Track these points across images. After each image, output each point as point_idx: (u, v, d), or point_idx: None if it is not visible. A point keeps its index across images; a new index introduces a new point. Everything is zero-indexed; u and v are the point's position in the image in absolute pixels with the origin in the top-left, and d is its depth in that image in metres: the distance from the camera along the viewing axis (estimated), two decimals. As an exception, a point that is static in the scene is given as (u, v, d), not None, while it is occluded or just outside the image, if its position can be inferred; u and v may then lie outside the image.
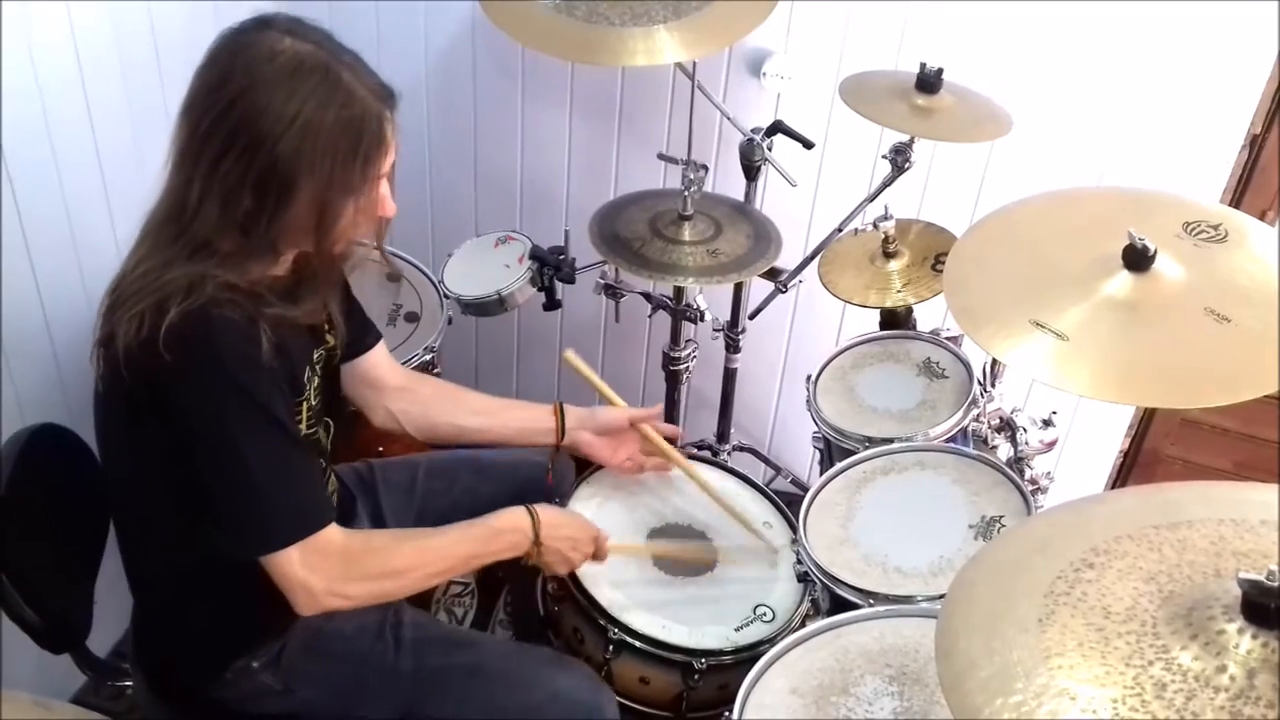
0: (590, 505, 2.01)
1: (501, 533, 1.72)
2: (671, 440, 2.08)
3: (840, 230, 2.33)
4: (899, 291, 2.24)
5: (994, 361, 2.11)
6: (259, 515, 1.51)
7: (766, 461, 2.89)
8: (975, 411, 2.08)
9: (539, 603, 1.96)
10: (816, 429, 2.15)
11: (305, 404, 1.63)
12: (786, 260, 2.32)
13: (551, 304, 2.43)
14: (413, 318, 2.38)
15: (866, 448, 1.99)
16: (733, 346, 2.59)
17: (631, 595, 1.86)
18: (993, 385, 2.13)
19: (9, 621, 1.65)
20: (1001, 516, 1.79)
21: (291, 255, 1.58)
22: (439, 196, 2.99)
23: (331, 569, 1.54)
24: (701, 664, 1.77)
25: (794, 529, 1.90)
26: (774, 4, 2.24)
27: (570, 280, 2.40)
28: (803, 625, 1.76)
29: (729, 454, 2.75)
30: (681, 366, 2.54)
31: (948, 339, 2.23)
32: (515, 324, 3.07)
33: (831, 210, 2.43)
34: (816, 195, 2.66)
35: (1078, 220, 1.74)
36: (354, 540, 1.62)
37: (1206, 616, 0.98)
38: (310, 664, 1.71)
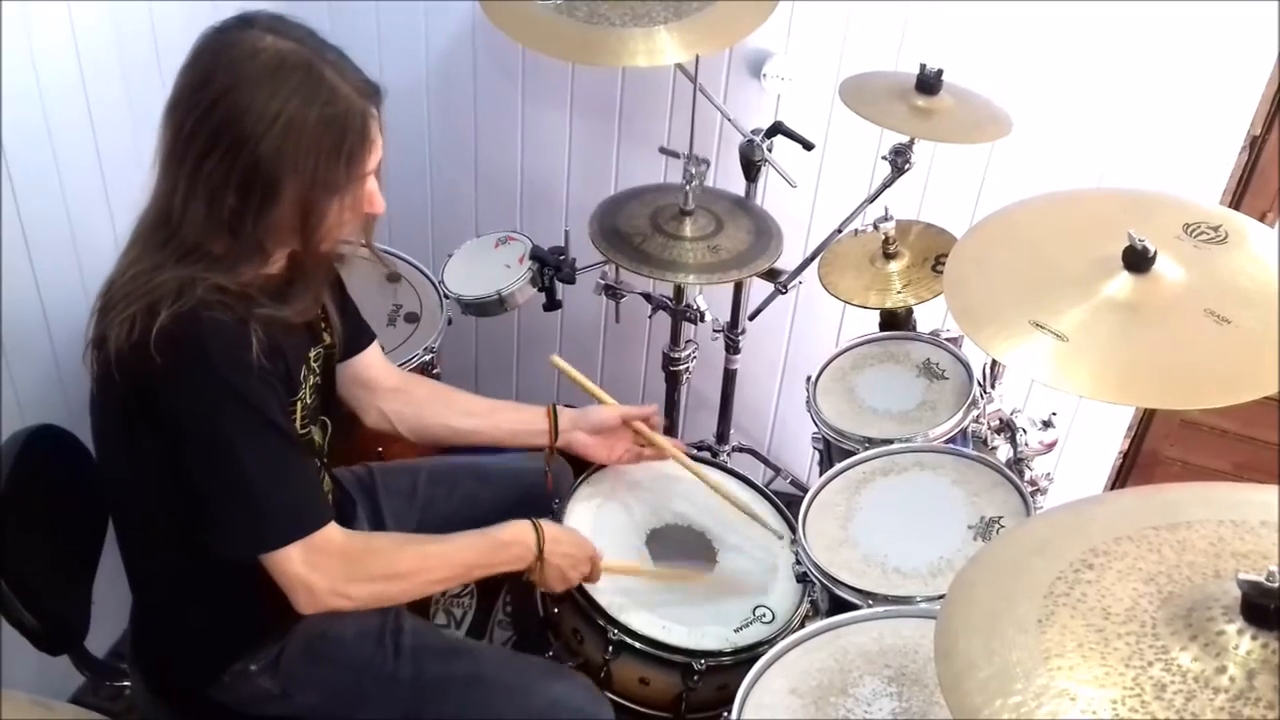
0: (590, 506, 2.00)
1: (506, 545, 1.72)
2: (667, 434, 2.07)
3: (840, 231, 2.33)
4: (899, 292, 2.24)
5: (994, 362, 2.11)
6: (256, 516, 1.51)
7: (766, 462, 2.89)
8: (975, 412, 2.08)
9: (538, 604, 1.96)
10: (816, 430, 2.15)
11: (300, 403, 1.63)
12: (786, 261, 2.32)
13: (552, 304, 2.43)
14: (413, 318, 2.38)
15: (866, 448, 1.99)
16: (732, 347, 2.59)
17: (631, 596, 1.85)
18: (992, 386, 2.13)
19: (7, 623, 1.65)
20: (1001, 517, 1.79)
21: (283, 255, 1.57)
22: (439, 197, 2.99)
23: (333, 568, 1.54)
24: (701, 665, 1.76)
25: (793, 530, 1.89)
26: (774, 5, 2.24)
27: (570, 281, 2.40)
28: (802, 626, 1.76)
29: (728, 455, 2.75)
30: (681, 367, 2.54)
31: (948, 340, 2.23)
32: (515, 324, 3.07)
33: (831, 211, 2.43)
34: (816, 196, 2.66)
35: (1078, 221, 1.74)
36: (355, 540, 1.62)
37: (1206, 617, 0.98)
38: (309, 669, 1.71)
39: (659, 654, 1.79)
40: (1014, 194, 1.86)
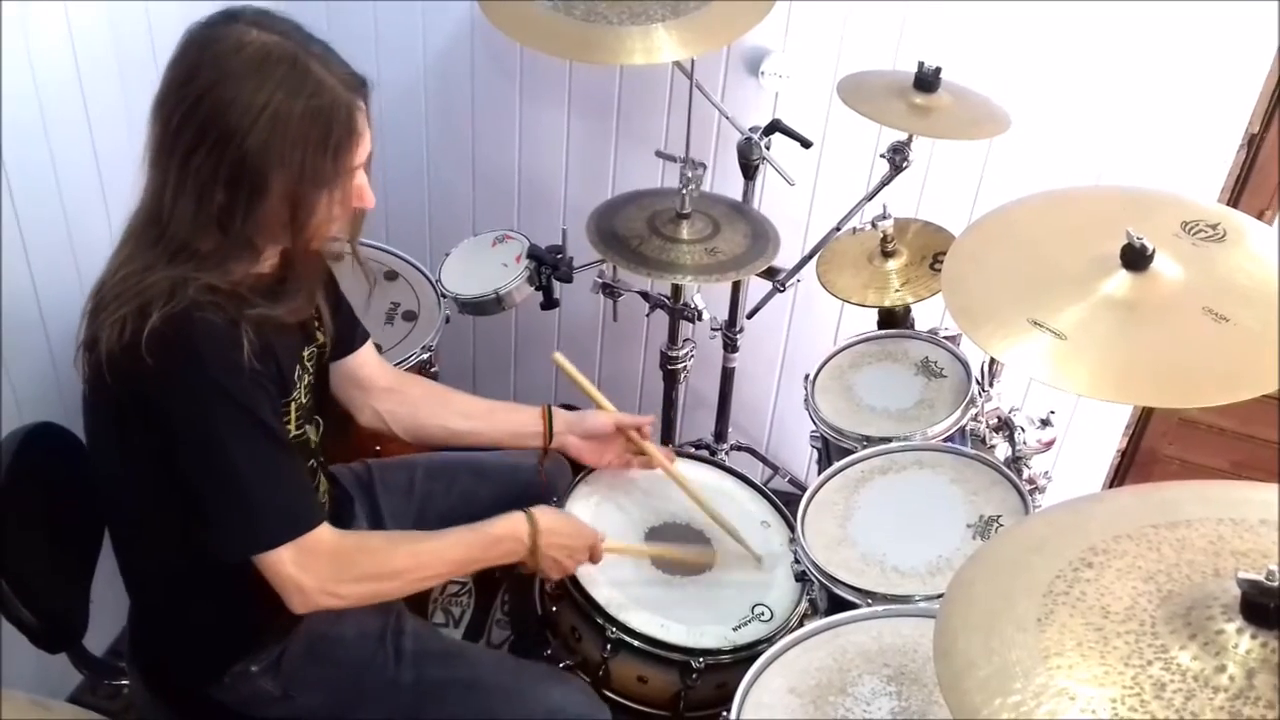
0: (588, 505, 2.00)
1: (499, 540, 1.72)
2: (664, 440, 2.07)
3: (838, 229, 2.33)
4: (897, 290, 2.24)
5: (992, 361, 2.11)
6: (247, 517, 1.51)
7: (764, 461, 2.89)
8: (973, 411, 2.08)
9: (537, 602, 1.96)
10: (814, 428, 2.15)
11: (294, 403, 1.63)
12: (784, 259, 2.32)
13: (549, 303, 2.43)
14: (410, 317, 2.38)
15: (864, 447, 1.99)
16: (730, 346, 2.59)
17: (630, 594, 1.85)
18: (991, 385, 2.13)
19: (6, 621, 1.65)
20: (999, 516, 1.79)
21: (275, 253, 1.57)
22: (437, 195, 2.99)
23: (324, 569, 1.54)
24: (699, 663, 1.76)
25: (792, 528, 1.89)
26: (772, 3, 2.24)
27: (568, 279, 2.40)
28: (801, 625, 1.76)
29: (727, 453, 2.75)
30: (679, 366, 2.54)
31: (946, 338, 2.23)
32: (513, 323, 3.07)
33: (829, 209, 2.43)
34: (815, 194, 2.65)
35: (1076, 219, 1.74)
36: (347, 540, 1.61)
37: (1205, 616, 0.98)
38: (310, 670, 1.71)
39: (657, 652, 1.78)
40: (1012, 192, 1.85)
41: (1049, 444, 2.12)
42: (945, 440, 2.01)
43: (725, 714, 1.49)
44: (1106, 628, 1.01)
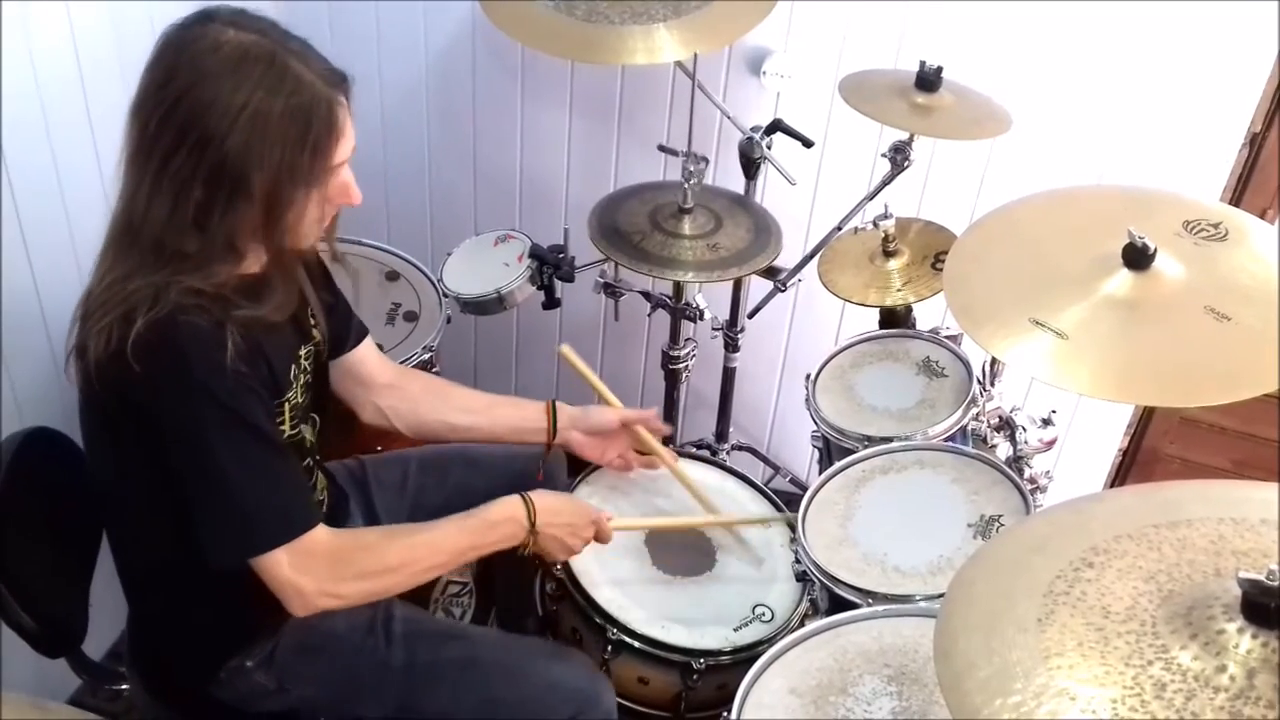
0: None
1: (496, 524, 1.70)
2: (666, 440, 2.07)
3: (840, 229, 2.33)
4: (898, 290, 2.24)
5: (993, 360, 2.10)
6: (241, 520, 1.50)
7: (766, 461, 2.89)
8: (974, 410, 2.07)
9: (537, 603, 1.96)
10: (815, 428, 2.15)
11: (289, 403, 1.62)
12: (786, 259, 2.32)
13: (551, 303, 2.42)
14: (411, 316, 2.38)
15: (865, 447, 1.98)
16: (732, 345, 2.59)
17: (630, 595, 1.85)
18: (992, 384, 2.13)
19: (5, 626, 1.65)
20: (1000, 515, 1.79)
21: (260, 254, 1.55)
22: (438, 195, 2.99)
23: (321, 569, 1.54)
24: (700, 664, 1.76)
25: (792, 528, 1.89)
26: (774, 3, 2.24)
27: (569, 279, 2.40)
28: (801, 625, 1.75)
29: (728, 453, 2.75)
30: (680, 365, 2.54)
31: (947, 338, 2.23)
32: (514, 323, 3.07)
33: (831, 209, 2.43)
34: (816, 194, 2.65)
35: (1077, 219, 1.74)
36: (343, 539, 1.61)
37: (1206, 616, 0.98)
38: (303, 662, 1.71)
39: (658, 653, 1.79)
40: (1014, 191, 1.85)
41: (1050, 443, 2.12)
42: (946, 440, 2.01)
43: (726, 714, 1.49)
44: (1107, 628, 1.01)
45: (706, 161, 2.22)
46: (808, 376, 2.21)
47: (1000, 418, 2.13)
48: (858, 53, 2.48)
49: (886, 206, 2.20)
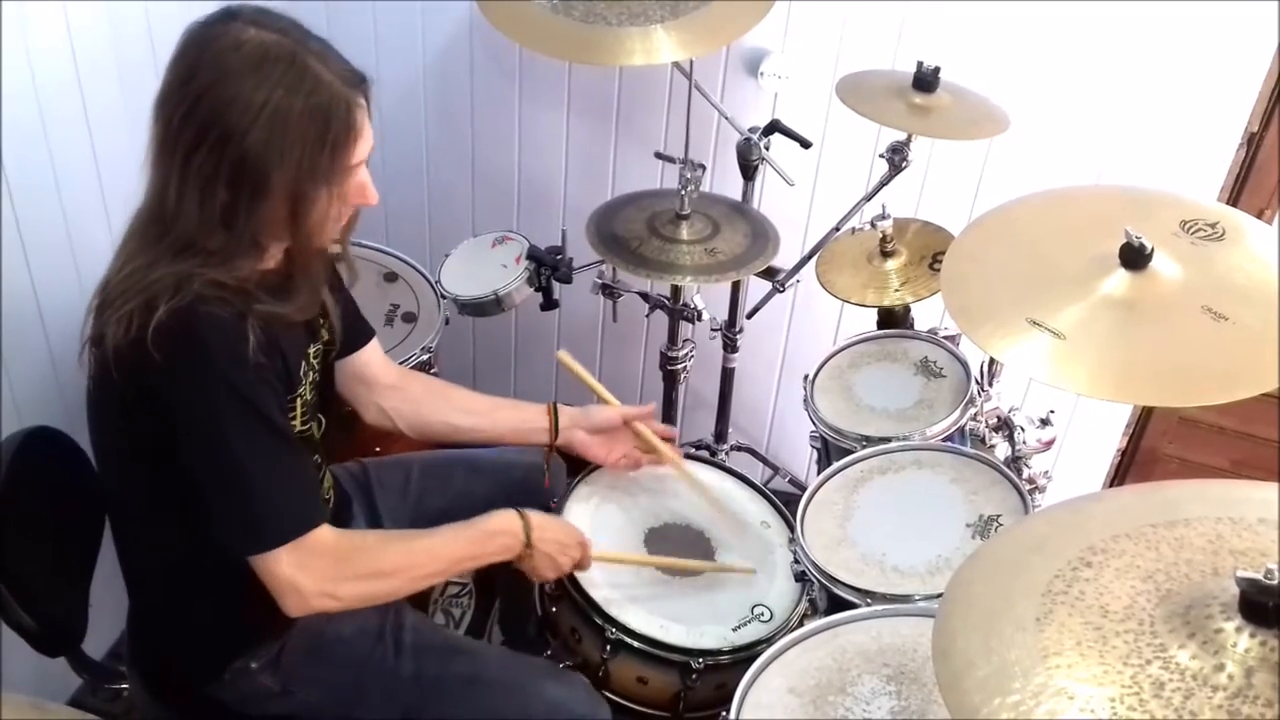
0: (588, 506, 2.00)
1: (493, 535, 1.72)
2: (667, 439, 2.07)
3: (838, 229, 2.33)
4: (896, 290, 2.24)
5: (991, 360, 2.10)
6: (251, 514, 1.51)
7: (764, 461, 2.89)
8: (973, 410, 2.08)
9: (536, 603, 1.96)
10: (814, 428, 2.15)
11: (300, 399, 1.63)
12: (784, 259, 2.32)
13: (549, 304, 2.43)
14: (410, 318, 2.38)
15: (864, 447, 1.99)
16: (730, 346, 2.59)
17: (629, 594, 1.85)
18: (990, 384, 2.13)
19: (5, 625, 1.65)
20: (999, 515, 1.79)
21: (279, 250, 1.57)
22: (436, 196, 2.99)
23: (322, 569, 1.54)
24: (699, 664, 1.76)
25: (791, 528, 1.89)
26: (771, 3, 2.24)
27: (567, 280, 2.40)
28: (800, 625, 1.75)
29: (727, 454, 2.75)
30: (679, 366, 2.54)
31: (945, 338, 2.23)
32: (513, 324, 3.07)
33: (829, 209, 2.43)
34: (814, 194, 2.65)
35: (1075, 219, 1.74)
36: (344, 540, 1.61)
37: (1204, 615, 0.98)
38: (310, 666, 1.71)
39: (657, 653, 1.78)
40: (1011, 191, 1.85)
41: (1049, 443, 2.12)
42: (945, 440, 2.01)
43: (725, 714, 1.49)
44: (1105, 627, 1.01)
45: (703, 168, 2.23)
46: (806, 377, 2.21)
47: (998, 418, 2.13)
48: (855, 53, 2.49)
49: (884, 207, 2.21)
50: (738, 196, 2.46)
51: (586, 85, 2.72)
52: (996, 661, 1.00)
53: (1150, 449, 2.87)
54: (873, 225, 2.22)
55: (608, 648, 1.79)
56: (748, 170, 2.42)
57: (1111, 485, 2.92)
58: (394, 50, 2.76)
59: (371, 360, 1.92)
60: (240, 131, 1.41)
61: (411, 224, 3.00)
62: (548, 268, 2.38)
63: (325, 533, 1.56)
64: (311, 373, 1.68)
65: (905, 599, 1.66)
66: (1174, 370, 1.49)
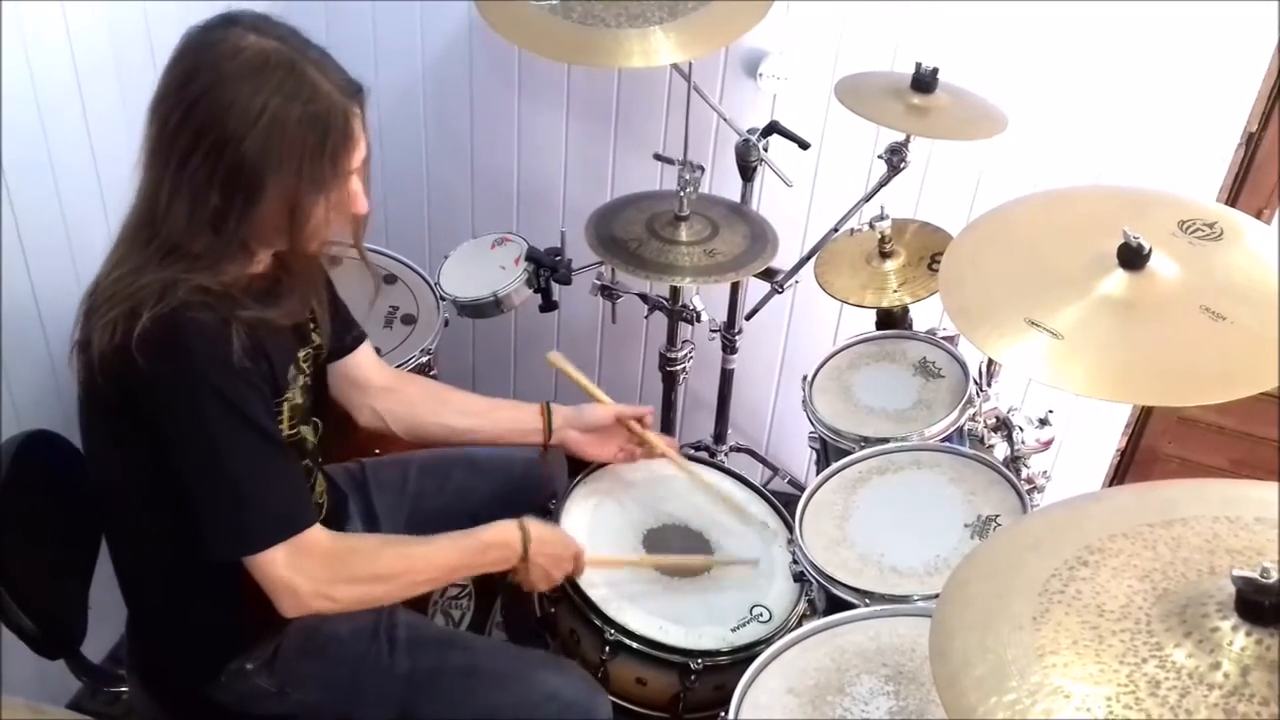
0: (587, 506, 2.00)
1: (490, 546, 1.72)
2: (643, 423, 2.07)
3: (836, 230, 2.34)
4: (895, 291, 2.24)
5: (990, 361, 2.10)
6: (240, 517, 1.51)
7: (764, 462, 2.89)
8: (971, 411, 2.08)
9: (535, 604, 1.96)
10: (813, 429, 2.15)
11: (287, 403, 1.63)
12: (783, 261, 2.32)
13: (548, 305, 2.43)
14: (409, 320, 2.38)
15: (862, 447, 1.99)
16: (729, 347, 2.59)
17: (628, 596, 1.85)
18: (989, 384, 2.13)
19: (5, 628, 1.65)
20: (998, 516, 1.79)
21: (268, 255, 1.57)
22: (435, 198, 2.99)
23: (317, 570, 1.54)
24: (698, 664, 1.76)
25: (790, 529, 1.89)
26: (770, 5, 2.24)
27: (566, 281, 2.40)
28: (799, 625, 1.75)
29: (726, 455, 2.75)
30: (678, 367, 2.54)
31: (944, 338, 2.23)
32: (512, 326, 3.07)
33: (828, 210, 2.43)
34: (813, 195, 2.66)
35: (1073, 219, 1.74)
36: (340, 542, 1.61)
37: (1200, 614, 0.98)
38: (305, 666, 1.71)
39: (656, 654, 1.78)
40: (1009, 192, 1.86)
41: (1047, 443, 2.12)
42: (943, 440, 2.01)
43: (724, 715, 1.49)
44: (1102, 626, 1.01)
45: (702, 169, 2.23)
46: (805, 378, 2.21)
47: (997, 418, 2.13)
48: (854, 54, 2.49)
49: (883, 208, 2.21)
50: (736, 198, 2.46)
51: (585, 87, 2.72)
52: (993, 660, 1.00)
53: (1149, 449, 2.87)
54: (871, 226, 2.22)
55: (607, 649, 1.79)
56: (746, 171, 2.42)
57: (1111, 485, 2.92)
58: (393, 52, 2.76)
59: (364, 363, 1.92)
60: (238, 137, 1.42)
61: (410, 226, 3.00)
62: (547, 269, 2.38)
63: (319, 534, 1.56)
64: (301, 376, 1.67)
65: (904, 599, 1.66)
66: (1173, 370, 1.49)
